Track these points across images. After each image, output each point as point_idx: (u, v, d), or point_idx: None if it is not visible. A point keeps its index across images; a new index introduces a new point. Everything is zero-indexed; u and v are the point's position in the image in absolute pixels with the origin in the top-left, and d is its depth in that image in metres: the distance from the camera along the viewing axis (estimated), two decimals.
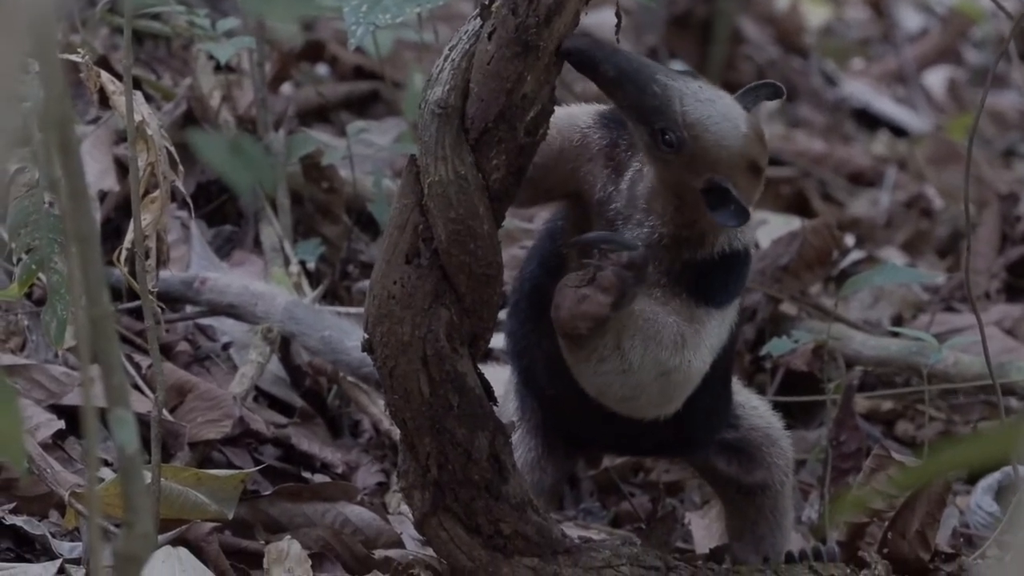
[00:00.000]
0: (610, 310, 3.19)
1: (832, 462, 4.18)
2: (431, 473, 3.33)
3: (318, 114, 5.47)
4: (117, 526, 3.41)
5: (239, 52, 4.78)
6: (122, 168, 4.59)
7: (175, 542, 3.52)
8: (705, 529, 4.13)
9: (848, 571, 3.61)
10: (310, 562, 3.55)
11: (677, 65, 7.39)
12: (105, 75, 3.58)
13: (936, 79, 8.66)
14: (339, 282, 4.73)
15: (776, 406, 3.89)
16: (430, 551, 3.50)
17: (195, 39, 4.81)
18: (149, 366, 4.05)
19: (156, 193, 3.48)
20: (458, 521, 3.36)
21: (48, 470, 3.61)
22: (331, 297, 4.65)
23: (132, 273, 3.46)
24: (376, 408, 4.26)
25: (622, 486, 4.39)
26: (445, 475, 3.32)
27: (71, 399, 3.92)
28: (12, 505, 3.63)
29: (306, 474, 4.09)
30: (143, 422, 3.30)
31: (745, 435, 3.74)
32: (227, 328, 4.40)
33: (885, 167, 7.10)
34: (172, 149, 3.54)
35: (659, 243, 3.35)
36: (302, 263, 4.60)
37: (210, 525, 3.58)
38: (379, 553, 3.70)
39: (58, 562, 3.48)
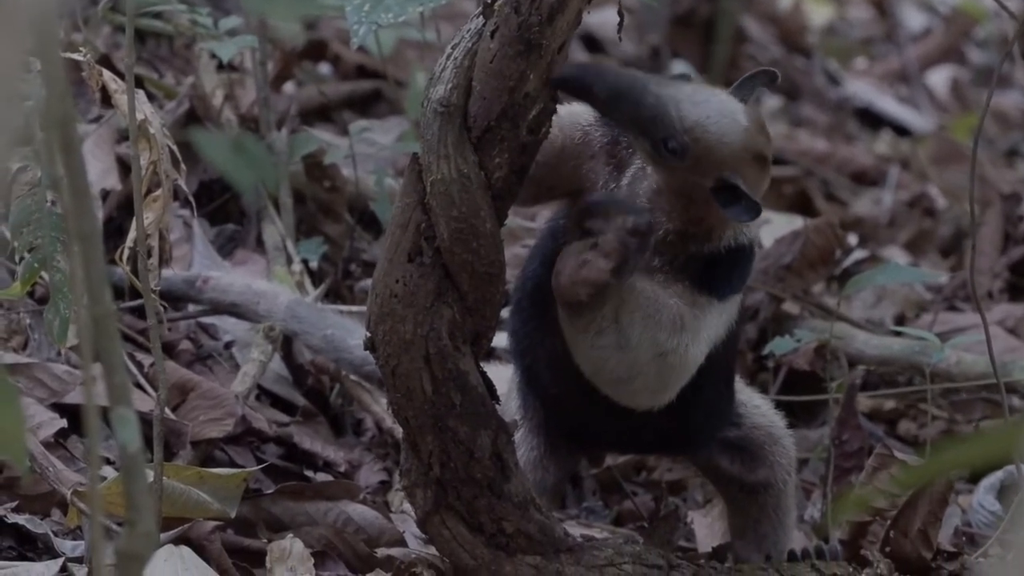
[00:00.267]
0: (611, 276, 3.16)
1: (834, 461, 4.17)
2: (433, 472, 3.33)
3: (320, 113, 5.47)
4: (119, 525, 3.41)
5: (241, 51, 4.78)
6: (124, 167, 4.59)
7: (177, 541, 3.52)
8: (707, 528, 4.13)
9: (850, 570, 3.61)
10: (312, 561, 3.55)
11: (680, 65, 7.40)
12: (107, 74, 3.58)
13: (939, 79, 8.66)
14: (341, 281, 4.73)
15: (778, 405, 3.89)
16: (432, 550, 3.50)
17: (197, 38, 4.81)
18: (151, 365, 4.05)
19: (158, 192, 3.48)
20: (461, 520, 3.36)
21: (50, 469, 3.61)
22: (333, 296, 4.65)
23: (134, 272, 3.46)
24: (378, 407, 4.26)
25: (624, 485, 4.38)
26: (447, 474, 3.32)
27: (73, 398, 3.92)
28: (14, 504, 3.63)
29: (308, 473, 4.09)
30: (145, 421, 3.30)
31: (748, 434, 3.74)
32: (229, 327, 4.40)
33: (888, 166, 7.10)
34: (174, 148, 3.53)
35: (663, 239, 3.35)
36: (304, 262, 4.60)
37: (212, 524, 3.58)
38: (381, 552, 3.70)
39: (60, 561, 3.48)
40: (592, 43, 7.41)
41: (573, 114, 3.44)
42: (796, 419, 4.39)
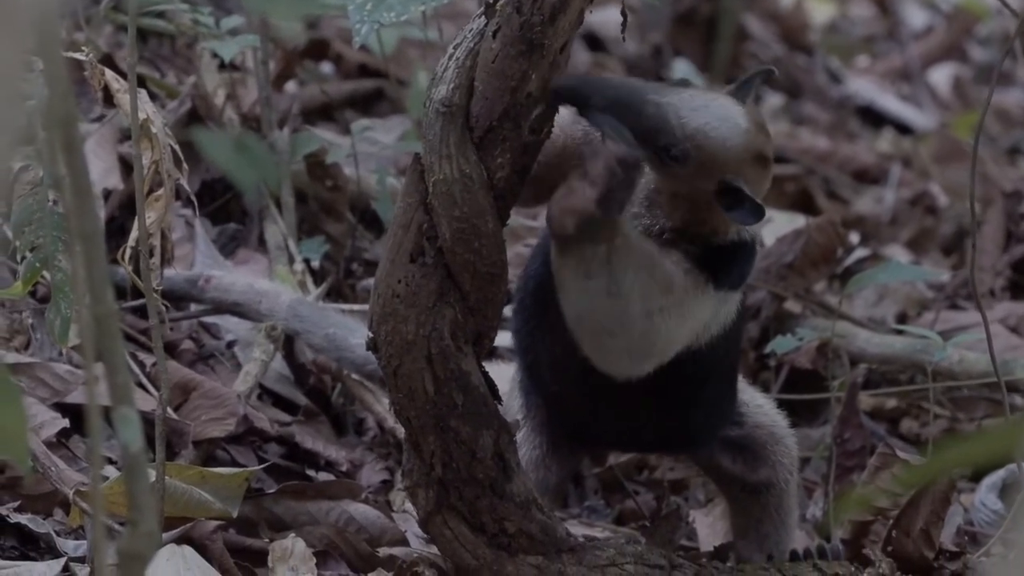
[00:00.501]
0: (594, 205, 3.12)
1: (836, 460, 4.18)
2: (435, 471, 3.33)
3: (322, 112, 5.47)
4: (121, 524, 3.41)
5: (243, 50, 4.78)
6: (126, 166, 4.59)
7: (179, 540, 3.52)
8: (709, 527, 4.13)
9: (852, 569, 3.61)
10: (314, 560, 3.55)
11: (681, 63, 7.40)
12: (109, 73, 3.58)
13: (941, 76, 8.65)
14: (343, 280, 4.73)
15: (780, 404, 3.89)
16: (434, 549, 3.50)
17: (199, 37, 4.81)
18: (153, 364, 4.05)
19: (160, 191, 3.48)
20: (462, 519, 3.36)
21: (52, 468, 3.61)
22: (335, 295, 4.65)
23: (136, 271, 3.46)
24: (380, 406, 4.25)
25: (626, 484, 4.38)
26: (449, 473, 3.32)
27: (75, 397, 3.92)
28: (16, 503, 3.63)
29: (310, 472, 4.09)
30: (147, 420, 3.30)
31: (749, 433, 3.74)
32: (231, 326, 4.40)
33: (890, 164, 7.10)
34: (176, 147, 3.54)
35: (661, 236, 3.35)
36: (306, 261, 4.60)
37: (214, 523, 3.58)
38: (383, 551, 3.70)
39: (62, 560, 3.48)
40: (594, 42, 7.41)
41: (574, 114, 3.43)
42: (798, 418, 4.39)
